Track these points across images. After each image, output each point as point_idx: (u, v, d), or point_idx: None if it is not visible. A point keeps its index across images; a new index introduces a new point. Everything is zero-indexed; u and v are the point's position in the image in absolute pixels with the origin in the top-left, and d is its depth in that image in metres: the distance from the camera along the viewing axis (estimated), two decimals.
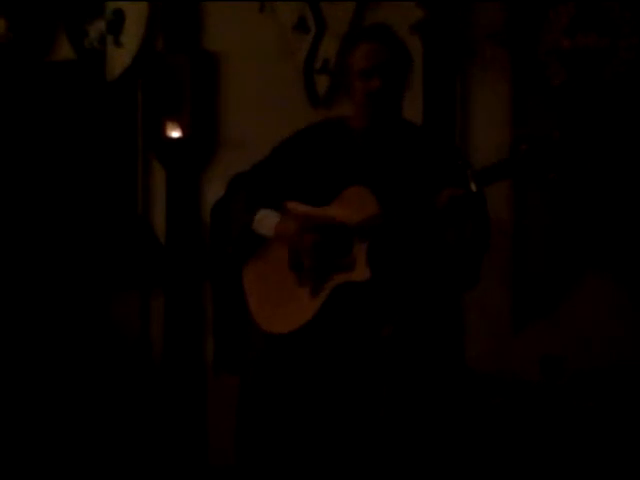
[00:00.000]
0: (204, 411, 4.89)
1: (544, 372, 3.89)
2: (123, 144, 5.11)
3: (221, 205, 3.29)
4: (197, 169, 4.92)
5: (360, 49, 3.07)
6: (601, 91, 4.02)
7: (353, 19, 4.48)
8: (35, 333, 5.11)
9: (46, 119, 5.25)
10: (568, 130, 2.67)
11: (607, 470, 3.63)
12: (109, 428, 4.84)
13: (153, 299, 4.58)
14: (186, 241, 4.90)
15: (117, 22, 5.00)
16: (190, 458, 4.85)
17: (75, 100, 5.20)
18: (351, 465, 3.01)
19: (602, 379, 3.83)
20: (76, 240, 5.00)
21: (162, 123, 4.86)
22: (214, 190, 4.74)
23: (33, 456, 4.73)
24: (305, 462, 3.07)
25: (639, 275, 3.98)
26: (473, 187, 2.74)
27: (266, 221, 3.13)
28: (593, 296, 4.06)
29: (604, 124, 4.01)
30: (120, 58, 5.01)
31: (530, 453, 3.74)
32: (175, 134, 4.84)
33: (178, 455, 4.83)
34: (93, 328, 5.08)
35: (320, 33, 4.58)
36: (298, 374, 3.09)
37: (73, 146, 5.21)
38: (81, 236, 4.97)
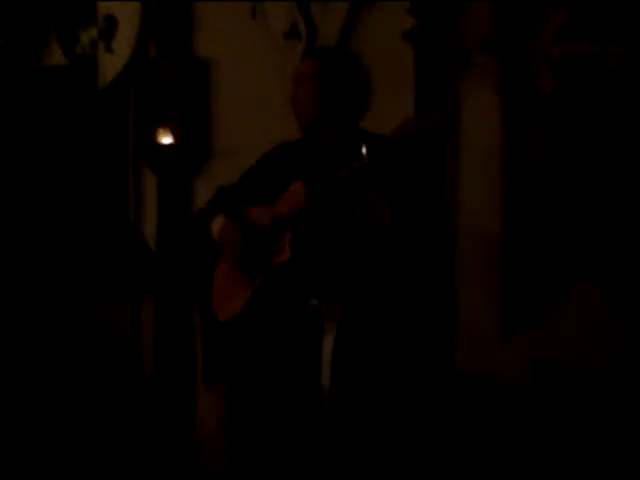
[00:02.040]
0: (194, 418, 4.88)
1: (535, 377, 3.90)
2: (114, 150, 5.11)
3: (201, 218, 3.59)
4: (188, 176, 4.92)
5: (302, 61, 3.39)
6: (591, 98, 4.05)
7: (344, 26, 4.50)
8: (25, 339, 5.10)
9: (37, 125, 5.25)
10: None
11: (597, 476, 3.64)
12: (99, 435, 4.84)
13: (144, 306, 4.57)
14: (177, 248, 4.90)
15: (109, 28, 5.01)
16: (180, 464, 4.84)
17: (66, 106, 5.20)
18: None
19: (593, 384, 3.84)
20: (67, 246, 4.99)
21: (153, 130, 4.86)
22: (205, 197, 4.73)
23: (22, 462, 4.72)
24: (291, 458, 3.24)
25: (628, 281, 4.00)
26: (366, 159, 2.98)
27: None
28: (583, 301, 4.07)
29: (594, 131, 4.04)
30: (112, 64, 5.02)
31: (521, 458, 3.75)
32: (166, 141, 4.84)
33: (168, 462, 4.82)
34: (83, 334, 5.07)
35: (311, 40, 4.59)
36: (252, 359, 3.35)
37: (64, 152, 5.20)
38: (72, 242, 4.96)
